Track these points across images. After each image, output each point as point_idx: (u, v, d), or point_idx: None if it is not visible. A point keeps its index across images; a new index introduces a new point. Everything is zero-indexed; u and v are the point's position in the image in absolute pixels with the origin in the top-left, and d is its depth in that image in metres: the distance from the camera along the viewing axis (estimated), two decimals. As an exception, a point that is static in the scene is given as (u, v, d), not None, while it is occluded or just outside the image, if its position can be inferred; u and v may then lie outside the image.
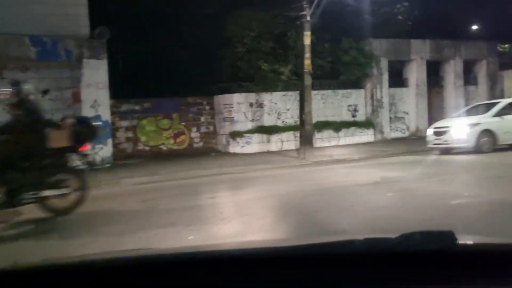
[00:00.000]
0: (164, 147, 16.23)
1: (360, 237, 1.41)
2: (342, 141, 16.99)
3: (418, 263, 1.24)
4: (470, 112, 13.57)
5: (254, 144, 15.78)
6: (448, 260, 1.25)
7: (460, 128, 12.46)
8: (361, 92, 17.91)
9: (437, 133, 12.87)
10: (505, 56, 22.94)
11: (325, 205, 6.23)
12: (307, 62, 13.39)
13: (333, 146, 16.38)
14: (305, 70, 13.40)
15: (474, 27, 28.91)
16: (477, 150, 12.02)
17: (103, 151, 13.83)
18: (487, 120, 12.42)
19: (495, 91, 20.34)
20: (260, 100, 16.31)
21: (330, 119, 17.18)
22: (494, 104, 13.16)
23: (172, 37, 16.50)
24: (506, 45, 29.67)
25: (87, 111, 13.81)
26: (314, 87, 16.87)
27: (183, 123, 16.54)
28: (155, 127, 16.11)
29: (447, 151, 12.75)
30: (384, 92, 17.96)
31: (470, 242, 1.48)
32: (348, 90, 17.68)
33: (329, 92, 17.34)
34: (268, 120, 16.27)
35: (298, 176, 10.17)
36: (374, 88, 17.81)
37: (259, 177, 9.98)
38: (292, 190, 7.78)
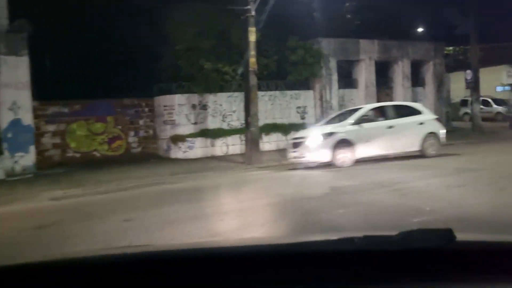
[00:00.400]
0: (97, 154, 14.73)
1: (359, 234, 1.41)
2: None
3: (417, 260, 1.26)
4: (335, 119, 12.15)
5: (197, 149, 14.64)
6: (447, 257, 1.27)
7: (314, 138, 10.90)
8: (310, 93, 17.23)
9: (295, 145, 11.25)
10: (449, 58, 23.18)
11: (265, 229, 5.25)
12: (252, 60, 12.45)
13: (281, 150, 15.52)
14: (249, 69, 12.45)
15: (420, 29, 29.30)
16: (332, 163, 10.57)
17: (24, 159, 12.25)
18: (345, 128, 10.94)
19: (441, 92, 20.33)
20: (203, 101, 15.20)
21: (279, 121, 16.35)
22: (358, 110, 11.84)
23: (107, 32, 15.03)
24: (450, 48, 30.34)
25: (4, 115, 12.20)
26: (261, 87, 16.11)
27: (119, 127, 15.11)
28: (87, 132, 14.59)
29: (306, 165, 10.83)
30: (334, 93, 17.37)
31: (468, 239, 1.49)
32: (297, 91, 16.94)
33: (277, 93, 16.52)
34: (213, 123, 15.19)
35: (241, 185, 9.16)
36: (323, 89, 17.18)
37: (196, 189, 8.88)
38: (231, 207, 6.74)
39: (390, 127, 11.36)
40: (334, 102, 17.30)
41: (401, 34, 20.17)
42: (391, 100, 19.26)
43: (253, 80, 12.48)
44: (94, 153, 14.70)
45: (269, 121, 16.03)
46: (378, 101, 18.73)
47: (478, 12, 19.42)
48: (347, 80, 18.24)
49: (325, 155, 10.66)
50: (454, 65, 26.16)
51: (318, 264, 1.29)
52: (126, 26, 14.88)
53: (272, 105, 16.36)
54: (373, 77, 18.30)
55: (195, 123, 14.99)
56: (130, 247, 1.88)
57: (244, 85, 12.81)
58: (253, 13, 12.35)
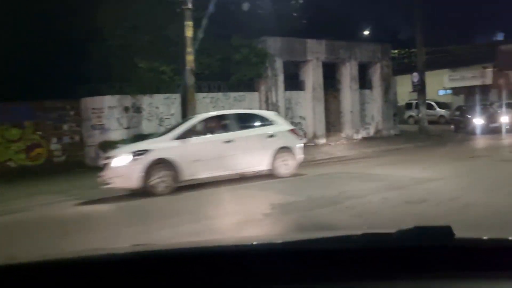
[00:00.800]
0: (12, 164, 12.82)
1: (358, 232, 1.41)
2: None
3: (416, 258, 1.26)
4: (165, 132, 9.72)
5: (130, 157, 13.11)
6: (446, 254, 1.27)
7: (121, 158, 8.36)
8: (255, 95, 16.16)
9: (105, 166, 8.44)
10: (393, 62, 22.90)
11: None
12: (189, 58, 11.20)
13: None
14: (187, 68, 11.19)
15: (366, 32, 29.21)
16: (146, 191, 8.18)
17: None
18: (164, 145, 8.65)
19: (389, 95, 19.95)
20: (137, 103, 13.72)
21: (222, 125, 15.11)
22: (186, 121, 9.63)
23: (26, 25, 13.16)
24: (395, 51, 30.46)
25: None
26: (202, 89, 14.92)
27: (39, 133, 13.25)
28: (0, 139, 12.67)
29: (117, 192, 8.41)
30: (280, 95, 16.40)
31: (467, 237, 1.48)
32: (241, 93, 15.82)
33: (220, 94, 15.31)
34: (148, 127, 13.72)
35: (163, 206, 7.68)
36: (269, 91, 16.17)
37: (113, 211, 7.48)
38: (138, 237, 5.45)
39: (229, 141, 9.09)
40: (281, 105, 16.34)
41: (348, 35, 19.61)
42: (339, 103, 18.64)
43: (190, 79, 11.23)
44: (9, 163, 12.76)
45: (211, 125, 14.79)
46: (326, 104, 18.04)
47: (423, 15, 19.24)
48: (294, 81, 17.36)
49: (134, 180, 8.12)
50: (399, 68, 26.14)
51: (316, 262, 1.28)
52: (49, 18, 13.09)
53: (214, 108, 15.11)
54: (320, 79, 17.53)
55: (128, 128, 13.48)
56: (130, 246, 1.69)
57: (181, 86, 11.51)
58: (189, 5, 11.12)
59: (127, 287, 1.25)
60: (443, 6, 31.42)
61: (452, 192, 6.80)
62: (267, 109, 16.06)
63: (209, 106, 14.93)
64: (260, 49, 15.73)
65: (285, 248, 1.43)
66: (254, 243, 1.71)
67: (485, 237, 1.55)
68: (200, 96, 14.78)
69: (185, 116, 11.19)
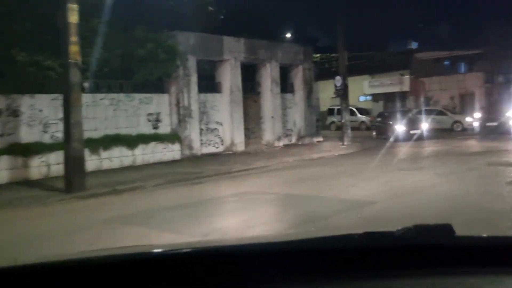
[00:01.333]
0: None
1: (359, 231, 1.39)
2: (140, 160, 12.96)
3: (417, 256, 1.26)
4: None
5: (1, 171, 10.57)
6: (447, 252, 1.28)
7: None
8: (165, 97, 14.19)
9: None
10: (315, 66, 21.99)
11: None
12: (73, 49, 9.01)
13: (126, 168, 12.25)
14: (70, 61, 9.00)
15: (287, 35, 28.32)
16: None
17: None
18: None
19: (311, 99, 18.92)
20: (14, 105, 11.17)
21: (124, 131, 12.98)
22: None
23: None
24: (317, 55, 29.92)
25: None
26: (101, 88, 12.80)
27: None
28: None
29: None
30: (193, 98, 14.58)
31: (468, 235, 1.48)
32: (148, 95, 13.77)
33: (122, 96, 13.16)
34: (29, 135, 11.24)
35: (43, 234, 5.76)
36: (181, 93, 14.28)
37: None
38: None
39: None
40: (194, 108, 14.52)
41: (270, 36, 18.28)
42: (259, 108, 17.24)
43: (75, 76, 9.04)
44: None
45: (111, 131, 12.63)
46: (246, 108, 16.54)
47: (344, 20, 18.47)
48: (209, 83, 15.63)
49: None
50: (320, 74, 25.47)
51: (317, 261, 1.28)
52: None
53: (115, 111, 12.96)
54: (239, 80, 15.98)
55: (1, 135, 10.91)
56: (130, 247, 1.67)
57: (63, 84, 9.28)
58: (73, -16, 8.95)
59: None
60: (361, 14, 31.70)
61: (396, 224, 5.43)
62: (178, 112, 14.20)
63: (109, 109, 12.76)
64: (170, 44, 13.80)
65: (285, 248, 1.41)
66: (254, 242, 1.68)
67: (485, 235, 1.55)
68: (97, 97, 12.59)
69: (68, 121, 9.00)
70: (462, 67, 32.94)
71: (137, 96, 13.51)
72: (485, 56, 28.88)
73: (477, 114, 24.00)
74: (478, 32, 33.57)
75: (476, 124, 22.91)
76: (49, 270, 1.30)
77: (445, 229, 1.29)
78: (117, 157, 12.48)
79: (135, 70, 13.38)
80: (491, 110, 24.17)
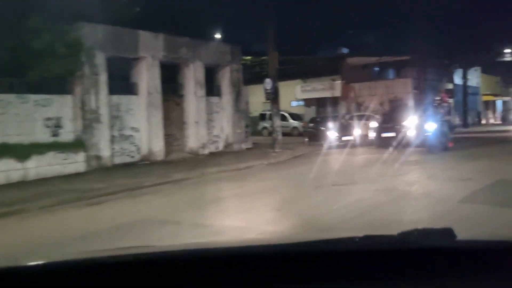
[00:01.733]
0: None
1: (360, 234, 1.38)
2: (33, 174, 10.82)
3: (418, 259, 1.24)
4: None
5: None
6: (448, 256, 1.26)
7: None
8: (68, 99, 12.12)
9: None
10: (245, 70, 20.71)
11: None
12: None
13: (13, 185, 10.10)
14: None
15: (217, 36, 26.92)
16: None
17: None
18: None
19: (240, 103, 17.59)
20: None
21: (14, 140, 10.80)
22: None
23: None
24: (248, 57, 28.77)
25: None
26: (-17, 88, 10.52)
27: None
28: None
29: None
30: (103, 100, 12.65)
31: (469, 239, 1.48)
32: (47, 96, 11.65)
33: (12, 97, 10.97)
34: None
35: None
36: (87, 94, 12.31)
37: None
38: None
39: None
40: (103, 112, 12.59)
41: (193, 33, 16.71)
42: (182, 112, 15.60)
43: None
44: None
45: (-4, 139, 10.45)
46: (167, 112, 14.84)
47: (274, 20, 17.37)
48: (123, 83, 13.77)
49: None
50: (251, 77, 24.30)
51: (318, 264, 1.26)
52: None
53: (3, 115, 10.77)
54: (157, 81, 14.25)
55: None
56: (130, 247, 1.70)
57: None
58: None
59: None
60: (292, 18, 31.11)
61: None
62: (84, 117, 12.22)
63: (-6, 112, 10.56)
64: (73, 37, 11.81)
65: (286, 250, 1.39)
66: (255, 245, 1.68)
67: (486, 239, 1.54)
68: (-21, 98, 10.37)
69: None
70: (391, 73, 33.38)
71: (33, 97, 11.37)
72: (412, 63, 29.31)
73: (373, 124, 19.33)
74: (405, 40, 34.20)
75: (372, 134, 18.43)
76: (49, 270, 1.30)
77: (446, 232, 1.30)
78: (3, 171, 10.28)
79: (29, 66, 11.25)
80: (391, 118, 17.77)
